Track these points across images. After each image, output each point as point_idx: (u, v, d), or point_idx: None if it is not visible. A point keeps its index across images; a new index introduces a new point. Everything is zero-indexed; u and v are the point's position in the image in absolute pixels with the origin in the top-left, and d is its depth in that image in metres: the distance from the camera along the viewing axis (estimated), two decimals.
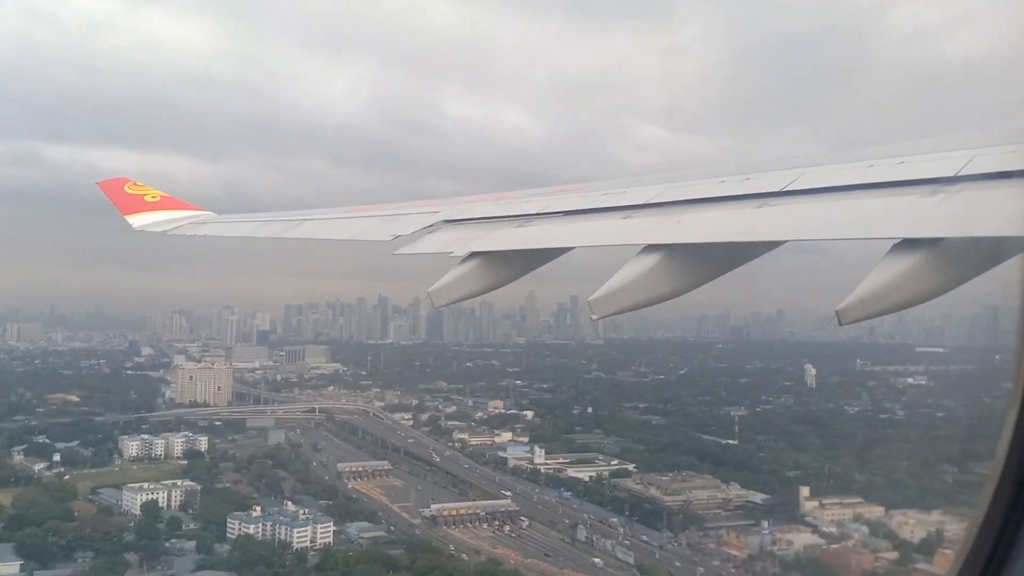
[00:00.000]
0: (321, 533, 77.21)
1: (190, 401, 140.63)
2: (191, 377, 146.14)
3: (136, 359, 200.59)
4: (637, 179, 8.14)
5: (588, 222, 7.28)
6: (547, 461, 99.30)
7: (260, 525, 79.08)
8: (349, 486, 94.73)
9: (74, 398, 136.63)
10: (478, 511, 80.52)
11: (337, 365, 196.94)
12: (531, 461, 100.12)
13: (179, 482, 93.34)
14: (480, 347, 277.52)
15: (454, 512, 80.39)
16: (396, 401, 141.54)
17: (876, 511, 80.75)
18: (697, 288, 6.00)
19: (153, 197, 15.61)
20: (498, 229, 7.83)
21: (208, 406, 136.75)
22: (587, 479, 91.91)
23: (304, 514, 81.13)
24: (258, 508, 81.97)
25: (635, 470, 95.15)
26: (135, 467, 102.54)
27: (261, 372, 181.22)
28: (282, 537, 78.43)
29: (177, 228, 14.38)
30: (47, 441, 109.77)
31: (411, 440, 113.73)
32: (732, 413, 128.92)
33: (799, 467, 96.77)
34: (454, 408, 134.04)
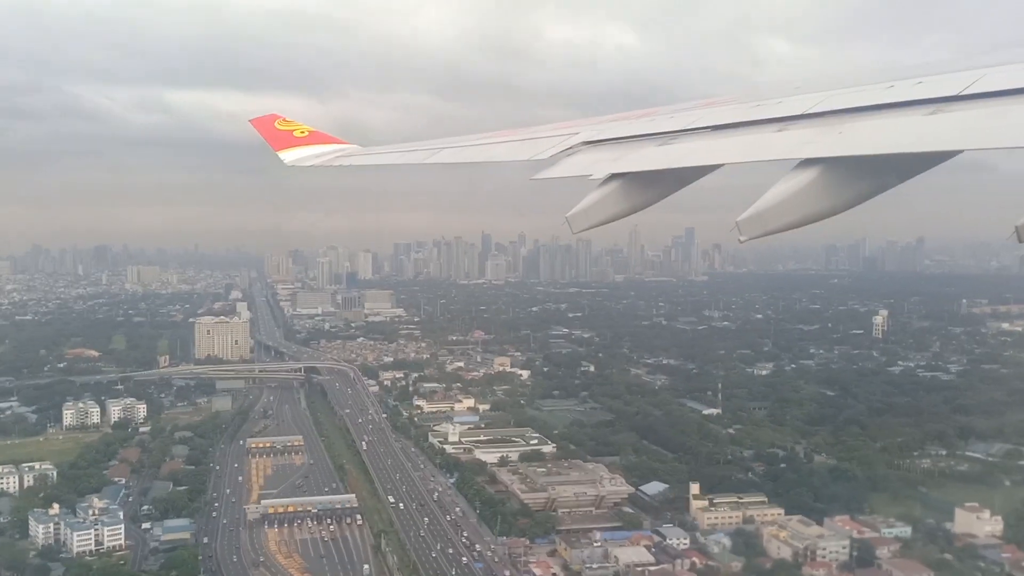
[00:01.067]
0: (110, 536, 65.53)
1: (207, 356, 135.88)
2: (208, 331, 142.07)
3: (213, 304, 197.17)
4: (794, 88, 7.07)
5: (738, 137, 6.51)
6: (466, 439, 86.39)
7: (46, 526, 66.98)
8: (247, 465, 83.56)
9: (92, 353, 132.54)
10: (310, 508, 68.93)
11: (399, 311, 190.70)
12: (446, 439, 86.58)
13: (37, 465, 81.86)
14: (566, 287, 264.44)
15: (282, 510, 69.10)
16: (412, 356, 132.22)
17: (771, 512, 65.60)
18: (858, 205, 5.37)
19: (302, 132, 15.83)
20: (640, 148, 7.16)
21: (223, 361, 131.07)
22: (490, 461, 78.85)
23: (94, 514, 68.12)
24: (56, 505, 69.23)
25: (555, 451, 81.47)
26: (60, 437, 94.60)
27: (320, 318, 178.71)
28: (62, 540, 67.23)
29: (325, 161, 14.46)
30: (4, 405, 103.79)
31: (365, 409, 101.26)
32: (756, 372, 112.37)
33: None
34: (459, 364, 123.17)
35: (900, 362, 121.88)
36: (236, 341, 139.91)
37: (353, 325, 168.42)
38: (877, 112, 5.56)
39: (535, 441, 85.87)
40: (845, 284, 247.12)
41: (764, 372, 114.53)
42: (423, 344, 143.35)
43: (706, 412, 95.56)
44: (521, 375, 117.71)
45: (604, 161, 7.27)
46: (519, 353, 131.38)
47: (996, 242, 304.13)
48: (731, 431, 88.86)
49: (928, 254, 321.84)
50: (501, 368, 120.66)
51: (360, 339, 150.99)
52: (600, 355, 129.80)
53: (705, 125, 7.01)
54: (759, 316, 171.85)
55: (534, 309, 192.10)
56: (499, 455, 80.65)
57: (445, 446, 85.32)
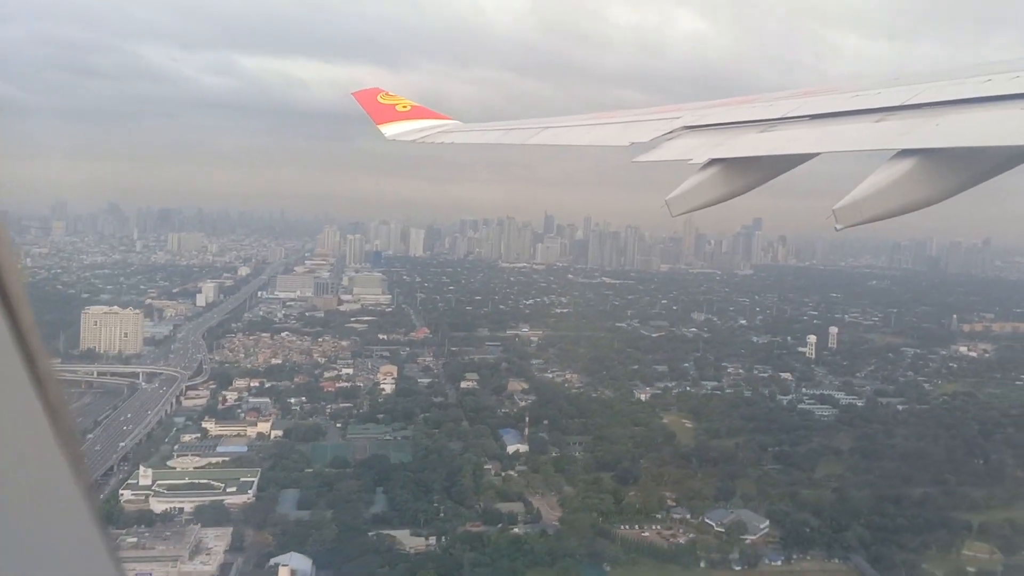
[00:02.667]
0: None
1: (89, 349, 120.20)
2: (95, 322, 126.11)
3: (199, 283, 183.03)
4: (894, 79, 7.25)
5: (837, 126, 6.61)
6: (164, 483, 68.01)
7: None
8: None
9: None
10: None
11: (388, 297, 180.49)
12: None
13: None
14: (605, 275, 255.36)
15: None
16: (312, 358, 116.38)
17: None
18: (952, 197, 5.38)
19: (404, 107, 15.64)
20: (740, 135, 7.34)
21: (97, 358, 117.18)
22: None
23: None
24: None
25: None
26: None
27: (289, 304, 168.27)
28: None
29: (426, 137, 14.28)
30: None
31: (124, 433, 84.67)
32: (638, 394, 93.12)
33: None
34: (348, 372, 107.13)
35: (813, 389, 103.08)
36: (125, 334, 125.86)
37: (310, 315, 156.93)
38: (974, 105, 5.58)
39: (233, 490, 68.50)
40: (883, 286, 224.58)
41: (643, 396, 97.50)
42: (348, 343, 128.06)
43: (512, 448, 78.89)
44: (383, 390, 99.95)
45: (704, 146, 7.36)
46: (395, 366, 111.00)
47: None
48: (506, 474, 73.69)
49: (1006, 255, 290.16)
50: (385, 376, 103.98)
51: (285, 333, 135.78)
52: (478, 374, 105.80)
53: (804, 114, 7.05)
54: (743, 322, 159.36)
55: (528, 302, 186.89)
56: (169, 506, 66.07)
57: (123, 491, 68.46)
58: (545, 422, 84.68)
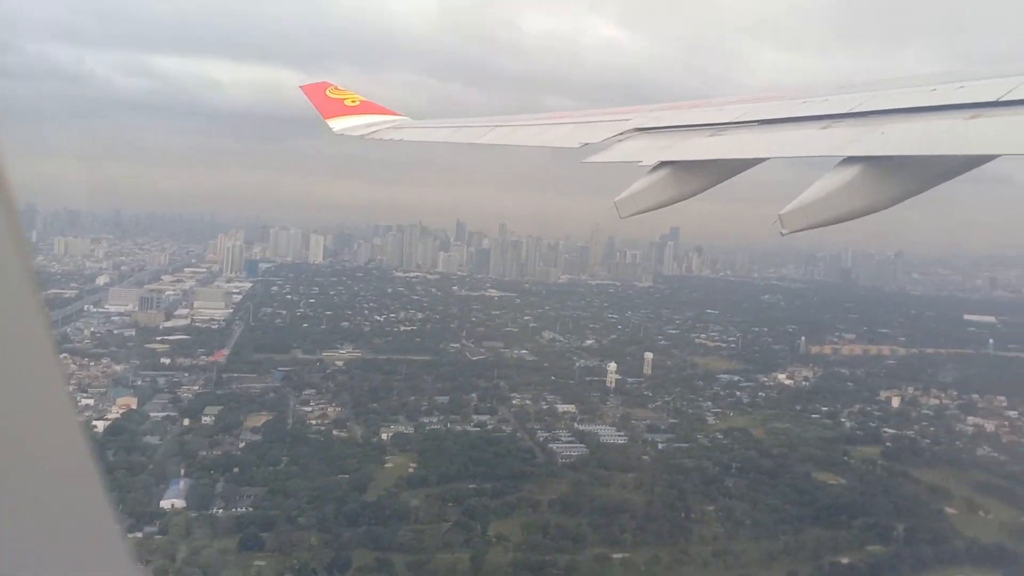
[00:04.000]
0: None
1: None
2: None
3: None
4: (840, 87, 7.48)
5: (785, 132, 6.86)
6: None
7: None
8: None
9: None
10: None
11: (228, 312, 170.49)
12: None
13: None
14: (487, 287, 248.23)
15: None
16: (71, 386, 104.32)
17: None
18: (897, 204, 5.59)
19: (353, 101, 15.85)
20: (690, 138, 7.52)
21: None
22: None
23: None
24: None
25: None
26: None
27: (117, 320, 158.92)
28: None
29: (375, 132, 14.35)
30: None
31: None
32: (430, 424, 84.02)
33: None
34: (83, 404, 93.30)
35: (589, 424, 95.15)
36: None
37: (119, 332, 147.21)
38: (919, 114, 5.73)
39: None
40: (772, 301, 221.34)
41: (387, 435, 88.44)
42: (124, 367, 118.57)
43: (166, 503, 68.68)
44: (96, 428, 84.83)
45: (655, 148, 7.52)
46: (200, 387, 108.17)
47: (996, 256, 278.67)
48: None
49: (929, 267, 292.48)
50: (120, 409, 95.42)
51: (64, 356, 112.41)
52: (224, 406, 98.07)
53: (753, 119, 7.17)
54: (590, 342, 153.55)
55: (380, 317, 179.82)
56: None
57: None
58: (236, 469, 77.41)
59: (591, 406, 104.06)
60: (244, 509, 69.05)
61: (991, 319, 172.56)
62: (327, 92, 16.39)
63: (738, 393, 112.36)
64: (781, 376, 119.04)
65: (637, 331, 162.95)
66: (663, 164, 7.18)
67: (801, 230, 5.41)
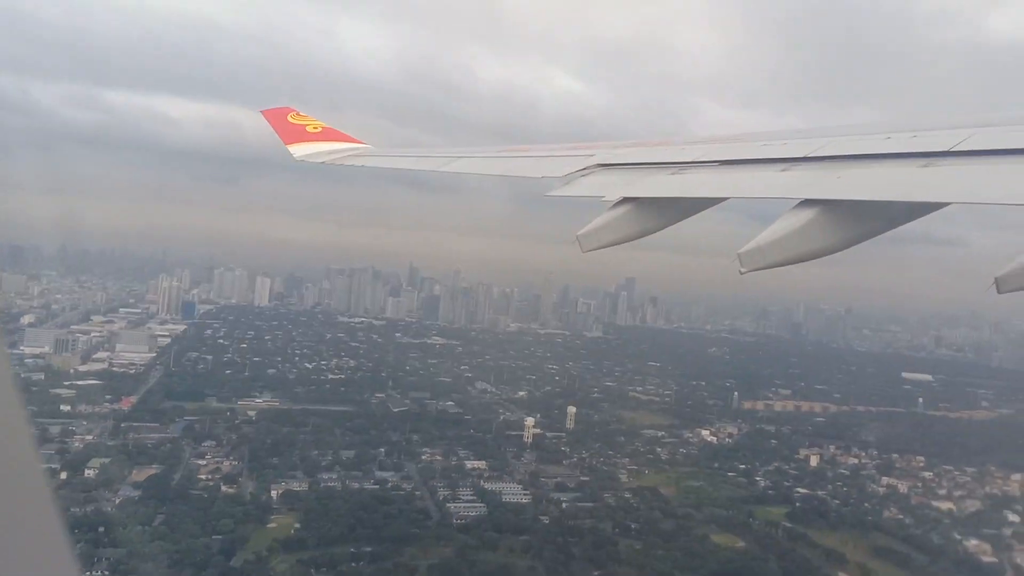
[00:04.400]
0: None
1: None
2: None
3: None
4: (798, 132, 7.71)
5: (745, 173, 7.06)
6: None
7: None
8: None
9: None
10: None
11: (151, 356, 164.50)
12: None
13: None
14: (433, 335, 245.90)
15: None
16: None
17: None
18: (851, 247, 5.78)
19: (315, 128, 15.79)
20: (652, 175, 7.66)
21: None
22: None
23: None
24: None
25: None
26: None
27: (29, 363, 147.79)
28: None
29: (336, 159, 14.16)
30: None
31: None
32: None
33: None
34: None
35: (499, 482, 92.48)
36: None
37: (26, 376, 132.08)
38: (874, 161, 5.99)
39: None
40: (718, 354, 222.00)
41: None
42: None
43: None
44: None
45: (617, 184, 7.63)
46: (93, 436, 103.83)
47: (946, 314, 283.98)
48: None
49: (881, 324, 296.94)
50: None
51: None
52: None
53: (715, 159, 7.42)
54: (521, 393, 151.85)
55: (310, 365, 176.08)
56: None
57: None
58: (100, 528, 73.49)
59: (503, 462, 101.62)
60: (98, 574, 65.25)
61: (928, 377, 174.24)
62: (288, 117, 16.37)
63: (659, 449, 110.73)
64: (705, 432, 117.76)
65: (573, 383, 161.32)
66: (625, 200, 7.29)
67: (759, 269, 5.51)
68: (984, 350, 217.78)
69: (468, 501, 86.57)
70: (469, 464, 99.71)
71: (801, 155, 6.62)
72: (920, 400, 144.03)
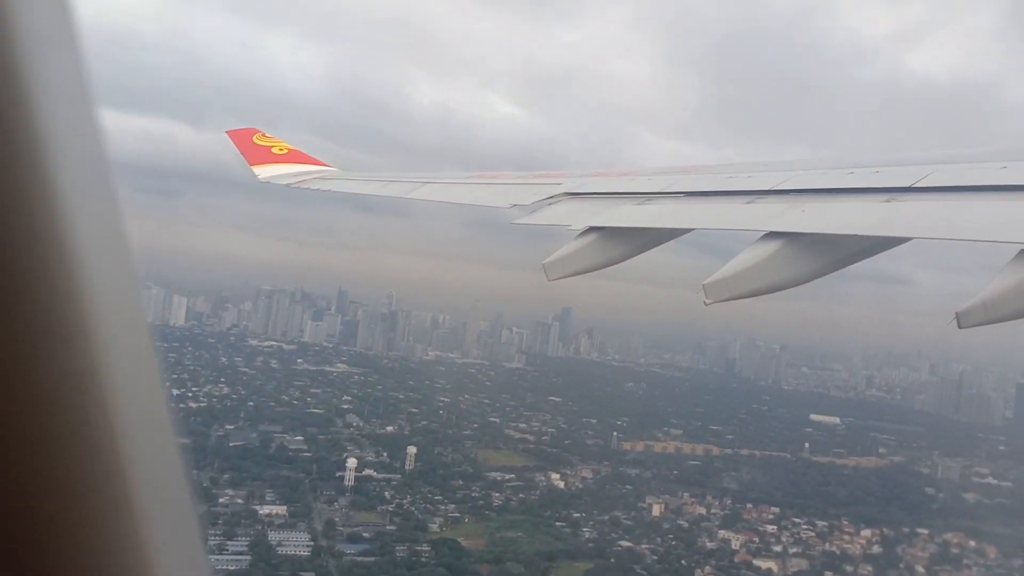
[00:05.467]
0: None
1: None
2: None
3: None
4: (764, 164, 7.91)
5: (711, 204, 7.27)
6: None
7: None
8: None
9: None
10: None
11: None
12: None
13: None
14: (336, 362, 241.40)
15: None
16: None
17: None
18: (814, 280, 5.93)
19: (280, 149, 16.00)
20: (619, 205, 7.86)
21: None
22: None
23: None
24: None
25: None
26: None
27: None
28: None
29: (302, 182, 14.38)
30: None
31: None
32: None
33: None
34: None
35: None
36: None
37: None
38: (838, 195, 6.20)
39: None
40: (632, 389, 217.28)
41: None
42: None
43: None
44: None
45: (584, 213, 7.92)
46: None
47: (891, 354, 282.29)
48: None
49: (825, 362, 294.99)
50: None
51: None
52: None
53: (681, 190, 7.68)
54: (392, 427, 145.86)
55: (174, 393, 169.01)
56: None
57: None
58: None
59: (306, 508, 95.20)
60: None
61: (836, 420, 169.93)
62: (254, 139, 16.50)
63: (495, 495, 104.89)
64: (555, 476, 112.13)
65: (452, 418, 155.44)
66: (592, 229, 7.45)
67: (724, 300, 5.59)
68: (910, 392, 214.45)
69: (234, 552, 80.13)
70: (266, 509, 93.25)
71: (766, 188, 6.78)
72: (806, 445, 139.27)
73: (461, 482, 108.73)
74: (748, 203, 6.66)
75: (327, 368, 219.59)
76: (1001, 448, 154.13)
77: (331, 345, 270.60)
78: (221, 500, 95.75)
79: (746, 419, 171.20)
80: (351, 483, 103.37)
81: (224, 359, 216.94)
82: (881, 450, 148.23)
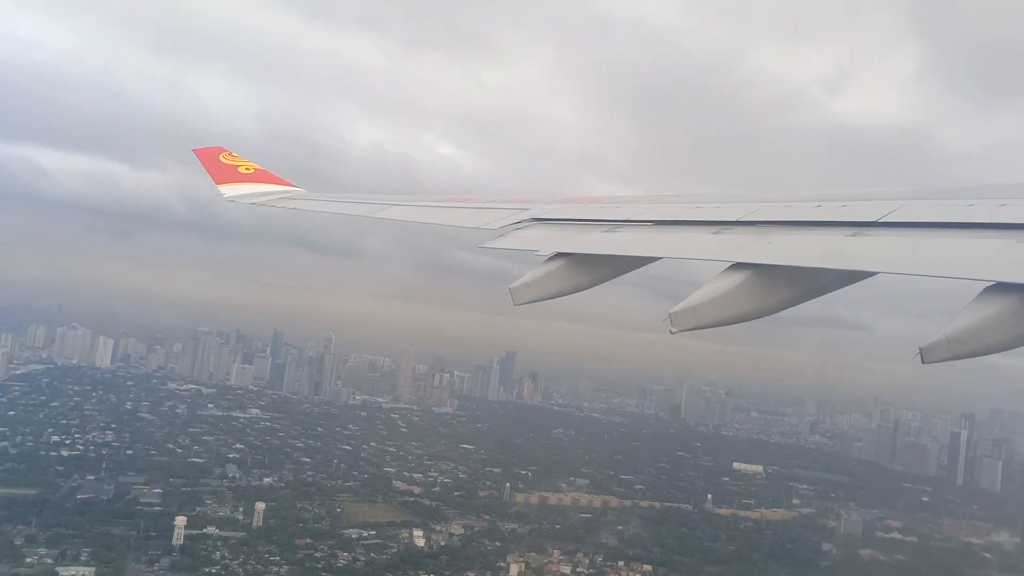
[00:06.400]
0: None
1: None
2: None
3: None
4: (731, 196, 8.03)
5: (677, 234, 7.34)
6: None
7: None
8: None
9: None
10: None
11: None
12: None
13: None
14: (251, 408, 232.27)
15: None
16: None
17: None
18: (780, 311, 5.94)
19: (247, 169, 16.44)
20: (587, 232, 7.99)
21: None
22: None
23: None
24: None
25: None
26: None
27: None
28: None
29: (268, 201, 14.56)
30: None
31: None
32: None
33: None
34: None
35: None
36: None
37: None
38: (804, 228, 6.23)
39: None
40: (561, 434, 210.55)
41: None
42: None
43: None
44: None
45: (551, 239, 7.94)
46: None
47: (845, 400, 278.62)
48: None
49: (776, 407, 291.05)
50: None
51: None
52: None
53: (648, 219, 7.78)
54: (272, 479, 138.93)
55: (55, 439, 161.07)
56: None
57: None
58: None
59: (120, 568, 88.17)
60: None
61: (758, 469, 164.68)
62: (220, 157, 16.54)
63: (342, 554, 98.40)
64: (418, 533, 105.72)
65: (338, 469, 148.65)
66: (559, 255, 7.47)
67: (689, 329, 5.58)
68: (847, 439, 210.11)
69: None
70: (72, 570, 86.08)
71: (733, 219, 6.83)
72: (709, 496, 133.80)
73: (309, 540, 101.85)
74: (715, 233, 6.74)
75: (237, 414, 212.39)
76: (924, 499, 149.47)
77: (257, 389, 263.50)
78: (28, 560, 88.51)
79: (665, 467, 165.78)
80: (179, 542, 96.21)
81: (130, 404, 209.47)
82: (795, 501, 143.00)
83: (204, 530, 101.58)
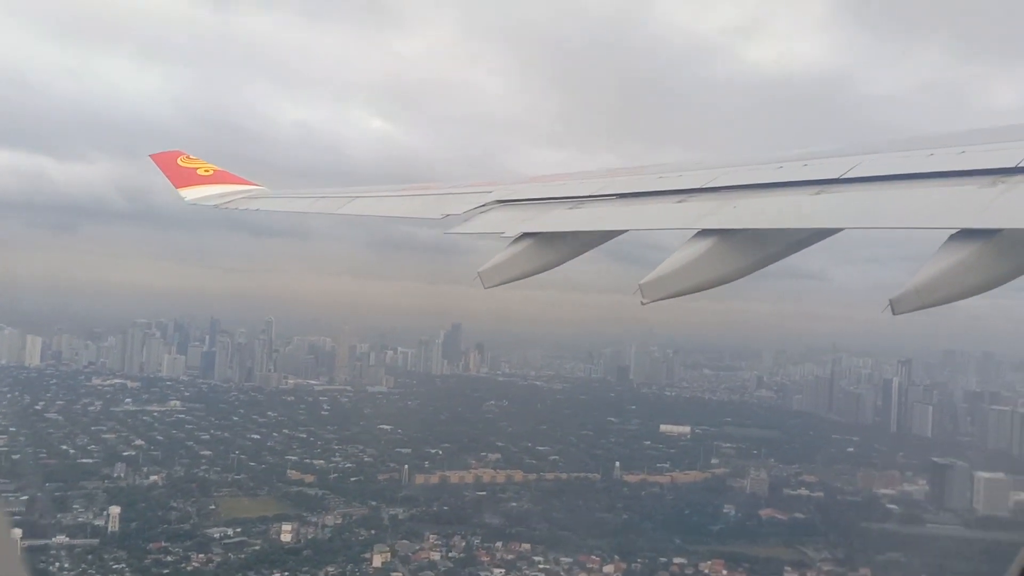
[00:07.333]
0: None
1: None
2: None
3: None
4: (695, 163, 8.09)
5: (642, 205, 7.41)
6: None
7: None
8: None
9: None
10: None
11: None
12: None
13: None
14: (171, 399, 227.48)
15: None
16: None
17: None
18: (749, 274, 6.06)
19: (206, 171, 16.18)
20: (551, 210, 8.06)
21: None
22: None
23: None
24: None
25: None
26: None
27: None
28: None
29: (230, 202, 14.56)
30: None
31: None
32: None
33: None
34: None
35: None
36: None
37: None
38: (768, 190, 6.32)
39: None
40: (494, 405, 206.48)
41: None
42: None
43: None
44: None
45: (516, 220, 8.06)
46: None
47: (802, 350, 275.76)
48: None
49: (731, 361, 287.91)
50: None
51: None
52: None
53: (611, 192, 7.82)
54: (157, 477, 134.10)
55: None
56: None
57: None
58: None
59: None
60: None
61: (685, 430, 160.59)
62: (179, 161, 16.59)
63: (197, 556, 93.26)
64: (286, 527, 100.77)
65: (234, 462, 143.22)
66: (525, 235, 7.54)
67: (661, 299, 5.71)
68: (787, 392, 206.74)
69: None
70: None
71: (697, 186, 6.91)
72: (617, 464, 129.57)
73: (163, 544, 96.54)
74: (680, 202, 6.80)
75: (153, 408, 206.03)
76: (849, 450, 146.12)
77: (188, 379, 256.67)
78: None
79: (588, 435, 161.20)
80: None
81: (41, 404, 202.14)
82: (714, 461, 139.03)
83: (52, 539, 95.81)
